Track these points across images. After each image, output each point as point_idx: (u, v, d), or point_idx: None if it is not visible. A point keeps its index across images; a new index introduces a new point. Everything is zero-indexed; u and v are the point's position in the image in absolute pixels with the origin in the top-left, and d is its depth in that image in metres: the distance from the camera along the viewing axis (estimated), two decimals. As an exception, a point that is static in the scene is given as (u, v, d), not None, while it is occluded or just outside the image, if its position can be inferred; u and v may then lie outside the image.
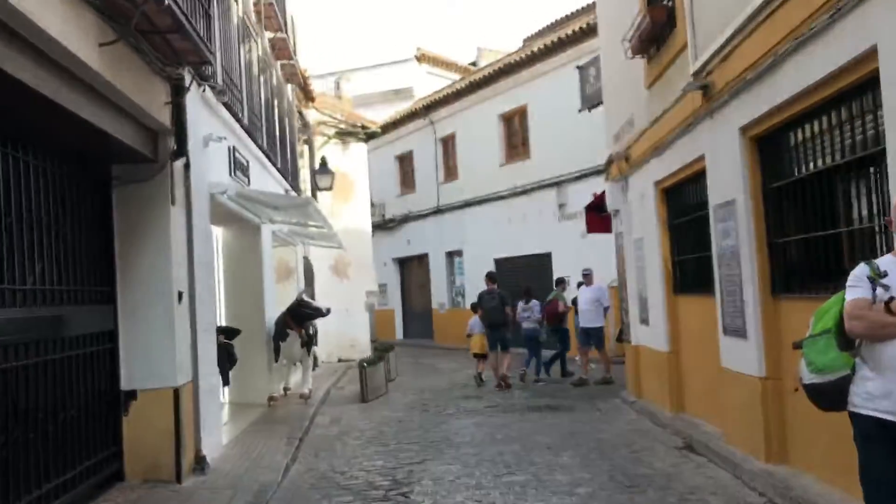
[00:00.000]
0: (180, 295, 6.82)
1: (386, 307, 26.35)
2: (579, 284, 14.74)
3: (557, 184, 18.13)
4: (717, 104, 6.45)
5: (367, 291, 19.95)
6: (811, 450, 5.40)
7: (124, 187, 6.63)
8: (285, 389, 12.47)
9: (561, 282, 13.95)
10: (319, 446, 8.57)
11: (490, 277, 13.89)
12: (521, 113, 19.61)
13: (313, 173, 15.63)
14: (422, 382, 14.42)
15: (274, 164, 12.99)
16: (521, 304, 13.88)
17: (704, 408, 7.79)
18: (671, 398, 8.76)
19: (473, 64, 27.39)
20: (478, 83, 20.68)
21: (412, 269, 25.42)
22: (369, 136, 20.62)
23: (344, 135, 19.81)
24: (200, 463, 6.95)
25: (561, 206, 18.06)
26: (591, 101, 13.00)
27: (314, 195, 17.61)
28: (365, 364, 12.63)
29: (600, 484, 6.13)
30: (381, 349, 15.36)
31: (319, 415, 11.01)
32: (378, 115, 25.02)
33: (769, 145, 5.93)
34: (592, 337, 12.86)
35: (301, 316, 11.05)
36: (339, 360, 18.94)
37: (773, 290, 5.90)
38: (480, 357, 13.71)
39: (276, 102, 14.43)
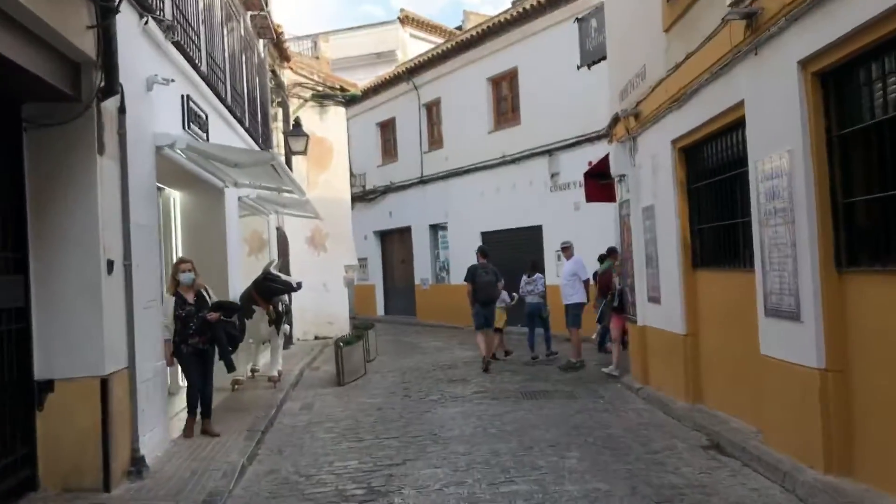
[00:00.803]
0: (111, 264, 5.61)
1: (366, 282, 25.18)
2: (559, 256, 13.68)
3: (549, 152, 16.96)
4: (766, 36, 5.29)
5: (346, 265, 18.75)
6: (889, 460, 4.33)
7: (39, 131, 5.39)
8: (253, 371, 11.31)
9: (613, 252, 12.63)
10: (285, 441, 7.44)
11: (482, 252, 12.87)
12: (512, 76, 18.36)
13: (286, 136, 14.35)
14: (403, 363, 13.31)
15: (241, 124, 11.72)
16: (524, 278, 12.85)
17: (732, 400, 6.73)
18: (687, 387, 7.71)
19: (459, 28, 26.03)
20: (465, 44, 19.37)
21: (394, 242, 24.22)
22: (349, 100, 19.31)
23: (321, 97, 18.49)
24: (137, 465, 5.80)
25: (553, 175, 16.90)
26: (591, 56, 11.82)
27: (288, 161, 16.32)
28: (341, 344, 11.49)
29: (621, 499, 5.03)
30: (360, 327, 14.22)
31: (289, 400, 9.88)
32: (359, 80, 23.72)
33: (837, 83, 4.79)
34: (569, 314, 11.76)
35: (269, 291, 9.86)
36: (316, 338, 17.82)
37: (838, 263, 4.80)
38: (499, 332, 12.85)
39: (244, 57, 13.13)
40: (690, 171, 7.73)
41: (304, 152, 14.10)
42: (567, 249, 12.84)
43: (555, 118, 16.63)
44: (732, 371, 6.67)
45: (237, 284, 10.62)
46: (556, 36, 16.51)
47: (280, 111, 17.26)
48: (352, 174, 24.32)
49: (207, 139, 8.88)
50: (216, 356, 7.63)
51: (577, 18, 12.44)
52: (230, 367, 7.91)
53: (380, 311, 24.64)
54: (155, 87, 6.88)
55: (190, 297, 7.34)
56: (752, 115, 5.71)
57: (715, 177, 7.11)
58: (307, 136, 14.07)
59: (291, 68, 18.13)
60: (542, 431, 7.21)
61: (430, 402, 9.27)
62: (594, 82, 15.52)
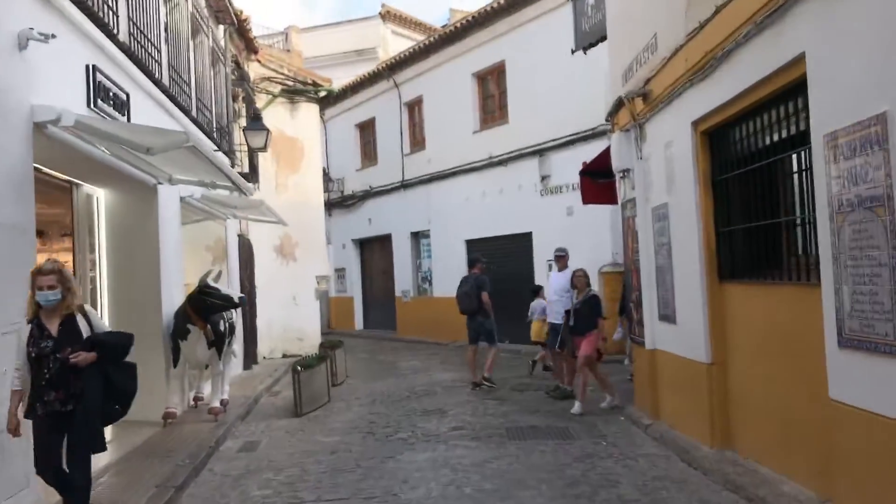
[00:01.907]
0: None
1: (344, 294, 23.61)
2: (550, 266, 12.18)
3: (539, 152, 15.47)
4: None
5: (318, 276, 17.18)
6: None
7: None
8: (196, 400, 9.71)
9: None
10: (205, 502, 5.84)
11: (470, 262, 11.60)
12: (499, 71, 16.88)
13: (244, 131, 12.78)
14: (375, 387, 11.71)
15: (187, 113, 10.16)
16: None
17: (779, 453, 5.18)
18: (713, 428, 6.16)
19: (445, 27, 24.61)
20: (449, 37, 17.89)
21: (374, 251, 22.64)
22: (323, 97, 17.79)
23: (292, 93, 16.97)
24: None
25: (544, 178, 15.40)
26: (587, 38, 10.35)
27: (251, 160, 14.76)
28: (300, 367, 9.88)
29: None
30: (327, 345, 12.62)
31: (230, 438, 8.29)
32: (339, 79, 22.24)
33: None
34: (555, 335, 10.19)
35: (205, 307, 8.26)
36: (285, 356, 16.24)
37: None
38: (541, 345, 11.63)
39: (196, 40, 11.58)
40: (716, 160, 6.22)
41: (264, 148, 12.53)
42: (561, 259, 11.31)
43: (545, 115, 15.17)
44: (780, 415, 5.13)
45: (175, 300, 9.02)
46: (547, 25, 15.08)
47: (245, 107, 15.72)
48: (330, 179, 22.86)
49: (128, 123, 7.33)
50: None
51: (571, -3, 10.97)
52: (92, 446, 4.78)
53: (359, 324, 23.04)
54: (32, 46, 5.33)
55: (53, 328, 4.70)
56: (821, 71, 4.17)
57: (750, 164, 5.59)
58: (268, 130, 12.49)
59: (259, 61, 16.61)
60: (532, 492, 5.61)
61: (397, 442, 7.67)
62: (589, 74, 14.09)
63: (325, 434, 8.30)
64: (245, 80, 14.83)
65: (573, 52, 10.93)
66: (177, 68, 9.84)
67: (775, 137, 5.27)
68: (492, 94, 17.29)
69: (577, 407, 8.65)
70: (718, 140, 6.16)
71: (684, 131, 6.45)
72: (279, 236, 16.58)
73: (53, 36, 5.33)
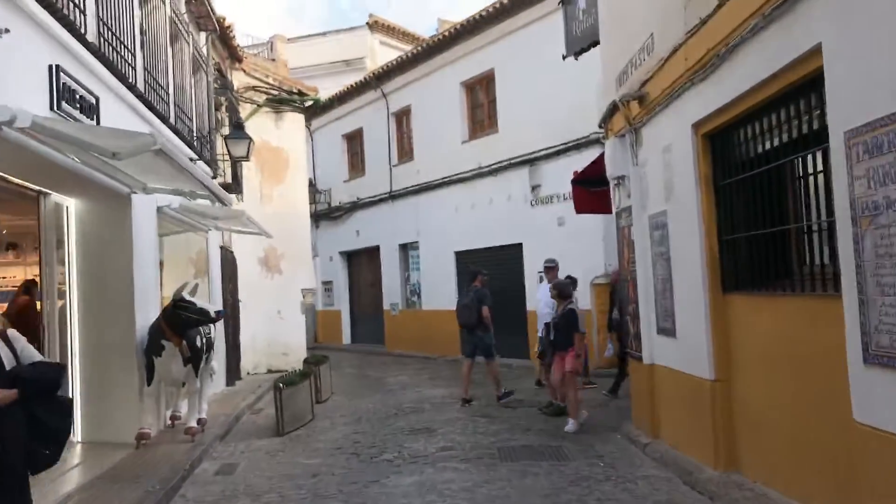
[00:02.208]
0: None
1: (332, 308, 23.17)
2: (541, 278, 11.82)
3: (530, 161, 15.15)
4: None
5: (304, 289, 16.75)
6: None
7: None
8: (173, 419, 9.26)
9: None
10: (172, 533, 5.42)
11: (471, 275, 11.24)
12: (488, 79, 16.58)
13: (225, 140, 12.39)
14: (361, 404, 11.29)
15: (165, 121, 9.77)
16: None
17: (793, 477, 4.81)
18: (717, 449, 5.79)
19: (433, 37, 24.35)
20: (437, 45, 17.58)
21: (361, 263, 22.23)
22: (309, 107, 17.42)
23: (277, 102, 16.58)
24: None
25: (534, 188, 15.08)
26: (579, 43, 10.03)
27: (234, 171, 14.37)
28: (282, 385, 9.46)
29: None
30: (312, 361, 12.19)
31: (207, 459, 7.86)
32: (326, 90, 21.91)
33: None
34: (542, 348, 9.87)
35: (180, 321, 7.83)
36: (270, 372, 15.76)
37: None
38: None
39: (175, 46, 11.20)
40: (719, 164, 5.88)
41: (246, 157, 12.14)
42: (551, 270, 10.98)
43: (536, 124, 14.87)
44: (792, 435, 4.77)
45: (151, 315, 8.59)
46: (537, 33, 14.80)
47: (228, 117, 15.33)
48: (317, 190, 22.50)
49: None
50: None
51: (560, 1, 10.64)
52: (14, 500, 3.97)
53: (346, 338, 22.58)
54: (-14, 43, 4.95)
55: None
56: (840, 63, 3.83)
57: (756, 168, 5.25)
58: (250, 139, 12.11)
59: (244, 70, 16.24)
60: (526, 519, 5.25)
61: (383, 464, 7.27)
62: (580, 82, 13.79)
63: (308, 455, 7.88)
64: (228, 89, 14.45)
65: (564, 58, 10.61)
66: (153, 73, 9.46)
67: (784, 138, 4.94)
68: (481, 104, 16.99)
69: (570, 425, 8.29)
70: (721, 143, 5.82)
71: (684, 134, 6.11)
72: (264, 249, 16.16)
73: (7, 31, 4.95)
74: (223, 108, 15.14)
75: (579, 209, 10.05)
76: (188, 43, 11.78)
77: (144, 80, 9.02)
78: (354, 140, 21.98)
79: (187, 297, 7.95)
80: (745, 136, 5.46)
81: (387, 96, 19.81)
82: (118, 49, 7.91)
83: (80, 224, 8.27)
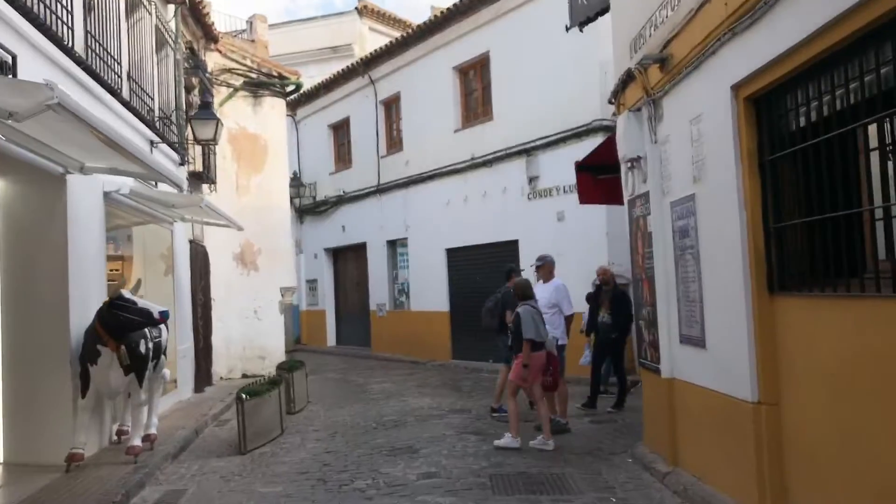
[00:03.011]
0: None
1: (316, 307, 22.00)
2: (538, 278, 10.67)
3: (527, 151, 14.02)
4: None
5: (283, 288, 15.58)
6: None
7: None
8: (120, 434, 8.08)
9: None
10: None
11: (506, 273, 10.34)
12: (482, 63, 15.44)
13: (189, 120, 11.18)
14: (338, 416, 10.15)
15: (116, 95, 8.61)
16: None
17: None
18: (762, 487, 4.66)
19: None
20: (428, 28, 16.43)
21: (348, 261, 21.07)
22: (291, 92, 16.26)
23: (255, 86, 15.42)
24: None
25: (532, 179, 13.94)
26: (584, 12, 8.90)
27: (206, 157, 13.19)
28: (244, 396, 8.30)
29: None
30: (285, 366, 11.03)
31: (151, 484, 6.71)
32: (312, 78, 20.80)
33: None
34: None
35: (118, 324, 6.66)
36: (245, 377, 14.58)
37: None
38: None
39: (135, 15, 10.04)
40: (765, 135, 4.74)
41: (213, 140, 10.95)
42: (542, 268, 9.71)
43: (534, 111, 13.75)
44: (871, 475, 3.64)
45: (91, 316, 7.39)
46: (534, 13, 13.72)
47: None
48: (301, 184, 21.37)
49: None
50: None
51: (564, -34, 9.53)
52: None
53: (331, 340, 21.43)
54: None
55: None
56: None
57: (815, 137, 4.12)
58: (218, 119, 10.92)
59: (219, 51, 15.06)
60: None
61: (353, 495, 6.11)
62: (582, 65, 12.77)
63: (267, 481, 6.72)
64: (200, 69, 13.26)
65: (568, 29, 9.48)
66: (101, 40, 8.28)
67: (853, 99, 3.83)
68: (474, 90, 15.85)
69: (505, 439, 7.57)
70: (769, 108, 4.69)
71: (720, 99, 4.98)
72: (240, 243, 14.99)
73: None
74: (196, 91, 13.97)
75: (584, 199, 8.92)
76: (150, 13, 10.61)
77: (88, 45, 7.85)
78: (341, 130, 20.81)
79: (126, 296, 6.78)
80: (801, 98, 4.33)
81: (375, 83, 18.65)
82: (48, 3, 6.74)
83: (6, 209, 7.11)
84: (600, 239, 12.52)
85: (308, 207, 21.71)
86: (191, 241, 12.87)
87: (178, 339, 11.53)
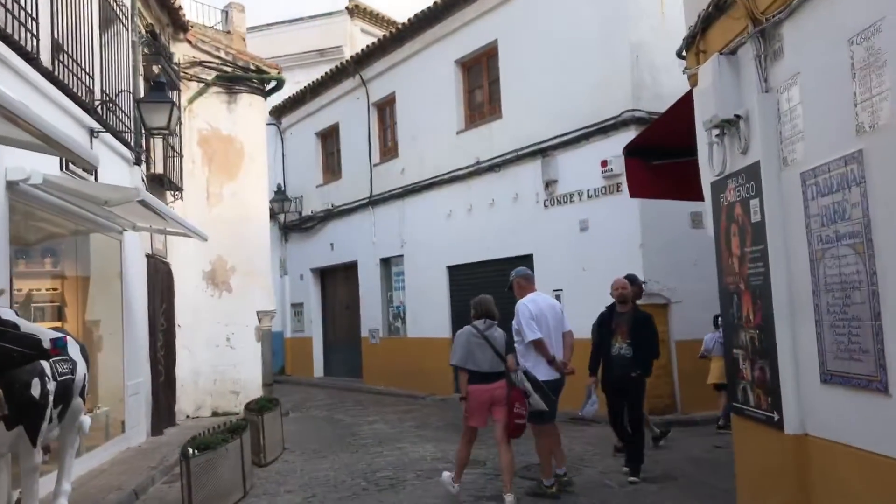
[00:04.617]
0: None
1: (302, 334, 19.91)
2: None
3: (542, 152, 12.10)
4: None
5: (261, 312, 13.51)
6: None
7: None
8: (21, 504, 5.97)
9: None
10: None
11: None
12: (489, 55, 13.56)
13: (138, 103, 9.13)
14: (320, 469, 8.07)
15: (32, 61, 6.65)
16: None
17: None
18: None
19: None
20: (426, 18, 14.57)
21: (337, 283, 19.02)
22: (271, 90, 14.33)
23: (230, 81, 13.50)
24: None
25: (549, 184, 12.00)
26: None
27: (172, 160, 11.18)
28: (192, 451, 6.24)
29: None
30: (255, 407, 8.94)
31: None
32: (299, 83, 19.04)
33: None
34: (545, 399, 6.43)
35: (-10, 357, 4.62)
36: (215, 415, 12.54)
37: None
38: (721, 389, 9.08)
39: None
40: None
41: (167, 129, 8.92)
42: (513, 286, 7.48)
43: (550, 105, 11.88)
44: None
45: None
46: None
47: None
48: (286, 198, 19.41)
49: None
50: None
51: None
52: None
53: (318, 371, 19.32)
54: None
55: None
56: None
57: None
58: (172, 103, 8.91)
59: (189, 41, 13.17)
60: None
61: None
62: (605, 51, 10.98)
63: (206, 585, 4.65)
64: (162, 56, 11.30)
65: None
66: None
67: None
68: (480, 85, 13.96)
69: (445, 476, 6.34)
70: None
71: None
72: (210, 260, 12.96)
73: None
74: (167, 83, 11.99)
75: (636, 192, 6.97)
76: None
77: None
78: (329, 138, 18.89)
79: (5, 316, 4.73)
80: None
81: (367, 83, 16.75)
82: None
83: None
84: (633, 252, 10.55)
85: (293, 224, 19.74)
86: (149, 256, 10.88)
87: (128, 372, 9.53)
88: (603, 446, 8.45)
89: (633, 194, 7.18)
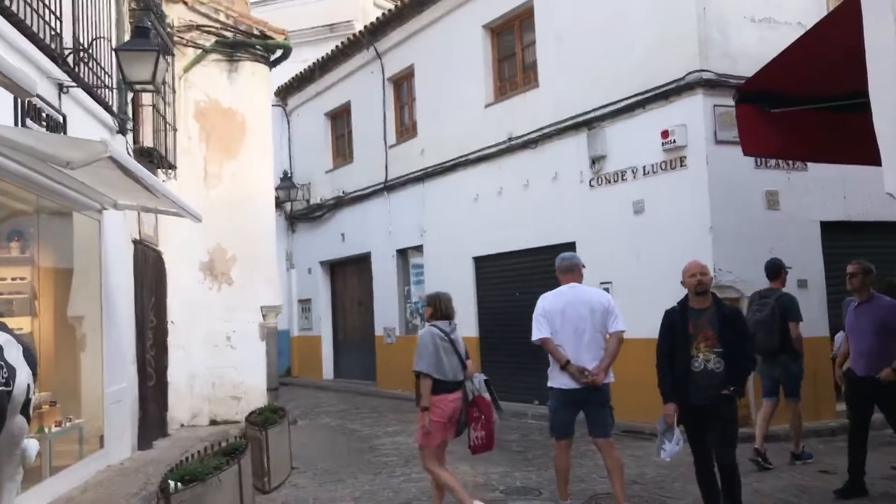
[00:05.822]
0: None
1: (310, 333, 18.45)
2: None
3: (588, 123, 10.59)
4: None
5: (266, 307, 11.99)
6: None
7: None
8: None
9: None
10: None
11: (772, 270, 7.62)
12: (524, 16, 12.03)
13: (115, 51, 7.60)
14: (336, 497, 6.56)
15: (11, 17, 5.14)
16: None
17: None
18: None
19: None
20: (450, -22, 13.07)
21: (347, 277, 17.57)
22: (277, 59, 12.81)
23: (231, 48, 11.97)
24: None
25: (595, 160, 10.47)
26: None
27: (158, 130, 9.68)
28: (174, 485, 4.74)
29: None
30: (257, 421, 7.42)
31: None
32: (306, 60, 17.61)
33: None
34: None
35: None
36: (214, 423, 11.07)
37: None
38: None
39: None
40: None
41: (150, 83, 7.37)
42: (572, 269, 6.00)
43: (597, 70, 10.38)
44: None
45: None
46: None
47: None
48: (293, 185, 17.96)
49: None
50: None
51: None
52: None
53: (328, 373, 17.87)
54: None
55: None
56: None
57: None
58: (157, 50, 7.34)
59: (186, 2, 11.67)
60: None
61: None
62: (664, 3, 9.44)
63: None
64: (153, 12, 9.78)
65: None
66: None
67: None
68: (512, 52, 12.42)
69: None
70: None
71: None
72: (208, 249, 11.43)
73: None
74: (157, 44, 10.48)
75: (751, 149, 5.44)
76: None
77: None
78: (340, 118, 17.42)
79: None
80: None
81: (382, 56, 15.25)
82: None
83: None
84: (701, 237, 9.01)
85: (301, 213, 18.30)
86: (136, 242, 9.38)
87: (108, 377, 8.05)
88: (678, 467, 6.87)
89: (747, 152, 5.61)
